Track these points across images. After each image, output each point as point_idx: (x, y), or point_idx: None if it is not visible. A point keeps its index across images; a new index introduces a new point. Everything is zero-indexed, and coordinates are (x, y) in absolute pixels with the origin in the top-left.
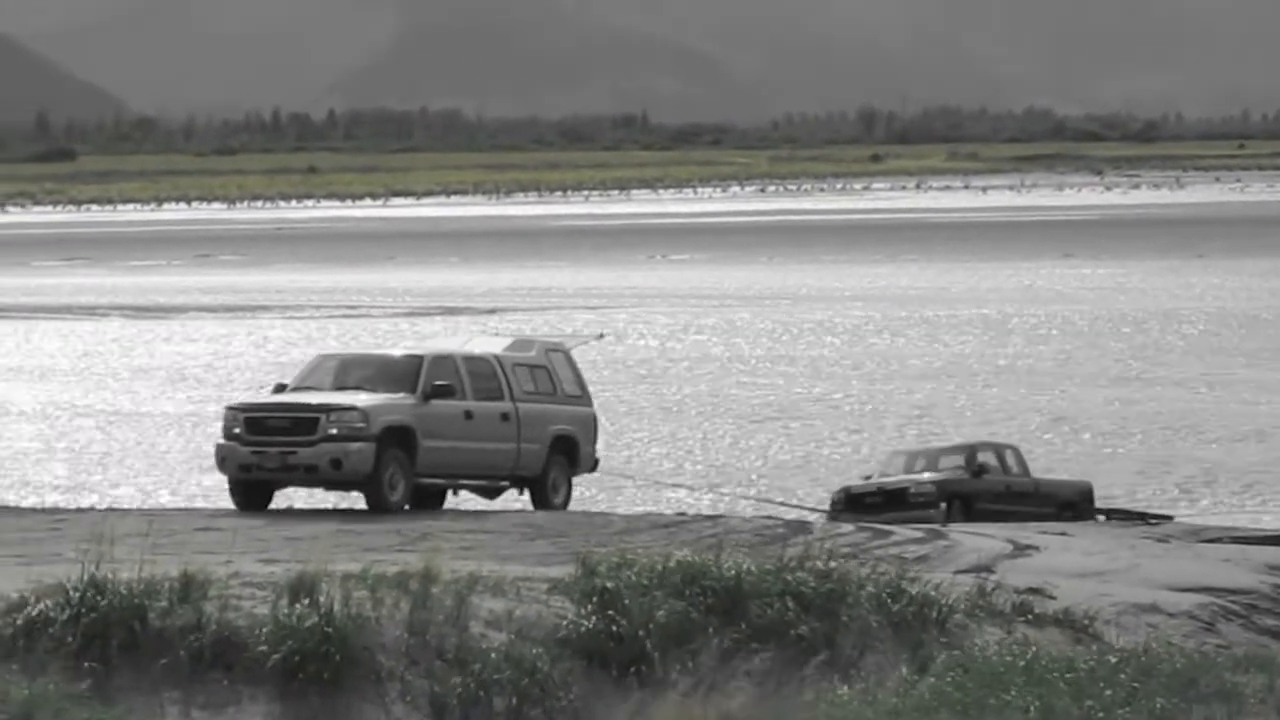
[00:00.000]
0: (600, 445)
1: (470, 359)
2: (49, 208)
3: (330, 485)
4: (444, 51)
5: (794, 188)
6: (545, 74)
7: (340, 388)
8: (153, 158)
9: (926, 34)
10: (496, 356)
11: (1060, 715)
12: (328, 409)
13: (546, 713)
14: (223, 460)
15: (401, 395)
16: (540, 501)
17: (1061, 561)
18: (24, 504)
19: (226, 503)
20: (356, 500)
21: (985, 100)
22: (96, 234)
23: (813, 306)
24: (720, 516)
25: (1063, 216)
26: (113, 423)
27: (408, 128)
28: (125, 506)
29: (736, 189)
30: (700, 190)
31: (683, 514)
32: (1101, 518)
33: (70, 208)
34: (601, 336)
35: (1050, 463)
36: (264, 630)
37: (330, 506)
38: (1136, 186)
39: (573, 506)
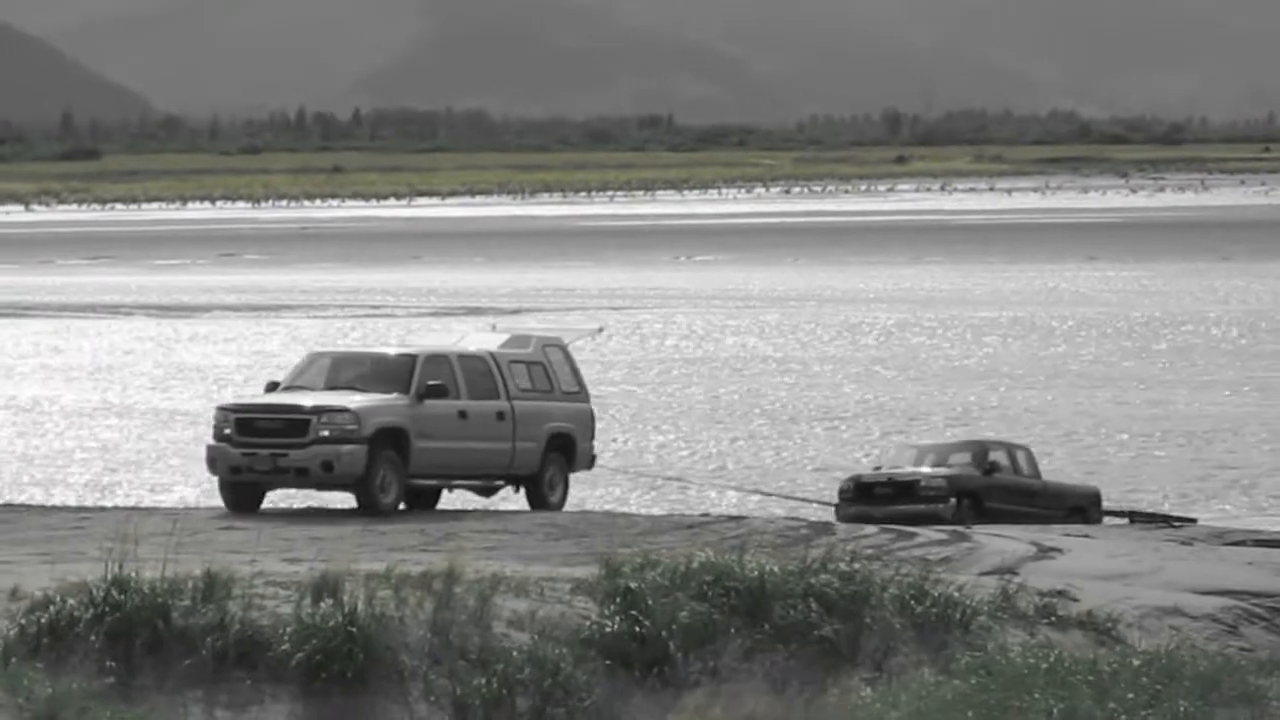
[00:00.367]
0: (622, 442)
1: (465, 357)
2: (74, 206)
3: (322, 487)
4: (470, 52)
5: (819, 189)
6: (571, 75)
7: (332, 387)
8: (178, 157)
9: (951, 36)
10: (492, 353)
11: (1083, 718)
12: (319, 411)
13: (569, 713)
14: (213, 461)
15: (394, 395)
16: (537, 500)
17: (1085, 564)
18: (48, 502)
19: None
20: (349, 500)
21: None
22: (121, 233)
23: (837, 308)
24: (743, 517)
25: (1087, 219)
26: (136, 421)
27: (433, 128)
28: (149, 505)
29: (761, 190)
30: (725, 191)
31: (706, 515)
32: (1123, 520)
33: (95, 206)
34: (600, 330)
35: (1072, 464)
36: (287, 630)
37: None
38: (1161, 189)
39: (596, 507)
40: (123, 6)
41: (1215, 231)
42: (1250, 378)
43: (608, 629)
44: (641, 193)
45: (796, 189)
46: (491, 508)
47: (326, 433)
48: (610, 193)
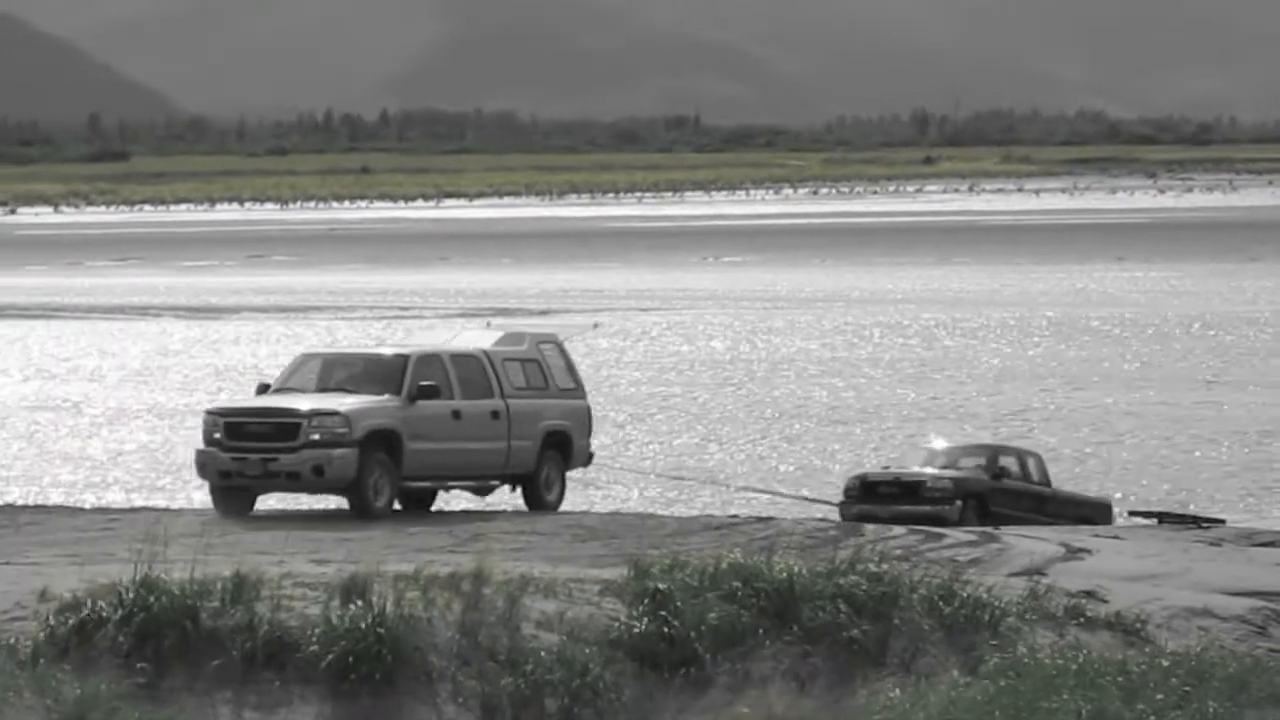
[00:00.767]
0: (646, 442)
1: (458, 356)
2: (102, 208)
3: (313, 491)
4: (497, 53)
5: (847, 190)
6: (598, 76)
7: (324, 389)
8: (205, 158)
9: (979, 36)
10: (486, 352)
11: (1112, 719)
12: (309, 414)
13: (598, 714)
14: (203, 466)
15: (386, 397)
16: (533, 500)
17: (1114, 565)
18: (77, 504)
19: (278, 503)
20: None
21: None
22: (149, 234)
23: (865, 309)
24: (771, 519)
25: (1115, 220)
26: (168, 422)
27: (460, 129)
28: (178, 506)
29: (789, 191)
30: (753, 192)
31: (735, 516)
32: (1152, 521)
33: (123, 208)
34: (596, 326)
35: (1098, 465)
36: (316, 631)
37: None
38: (1190, 189)
39: (624, 509)
40: (150, 8)
41: (1243, 232)
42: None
43: (636, 630)
44: (669, 194)
45: (824, 190)
46: (508, 507)
47: (317, 436)
48: (638, 194)
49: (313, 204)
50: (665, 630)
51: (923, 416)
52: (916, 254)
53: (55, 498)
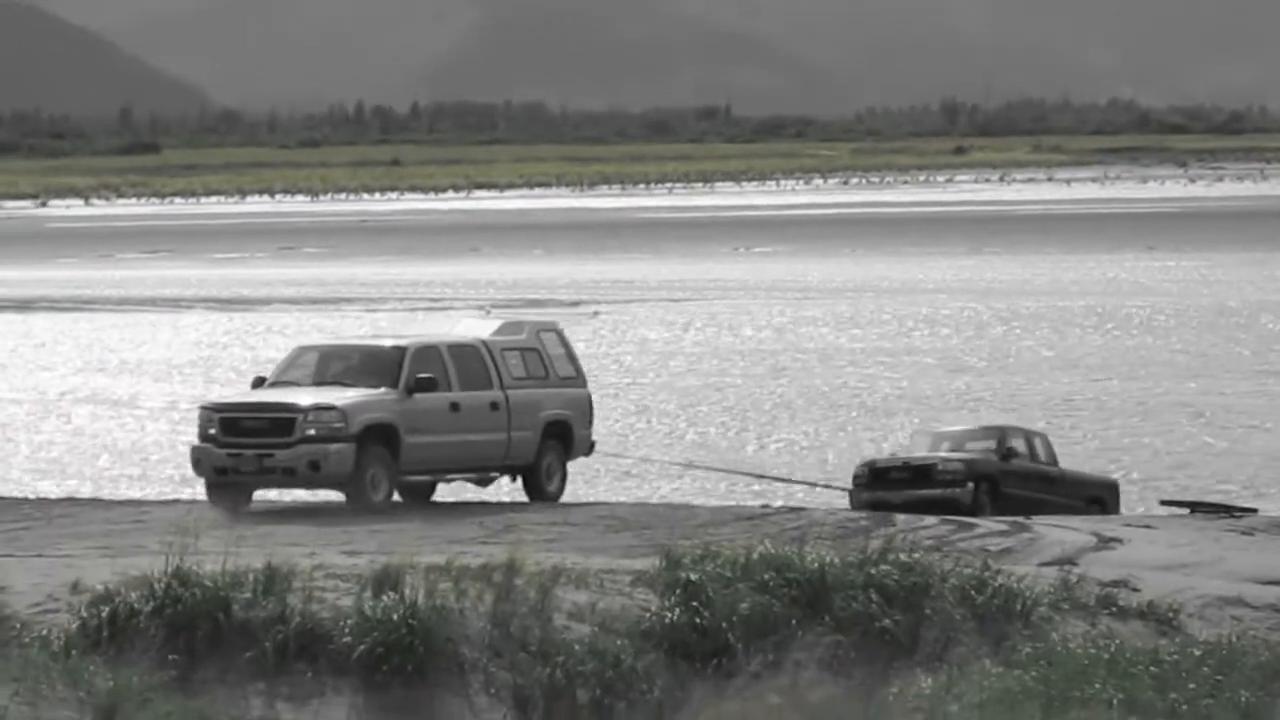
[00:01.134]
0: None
1: (456, 346)
2: (134, 200)
3: (310, 486)
4: (527, 44)
5: (877, 180)
6: (628, 66)
7: (320, 382)
8: (236, 151)
9: (1009, 26)
10: (485, 341)
11: (1144, 708)
12: (305, 409)
13: (630, 705)
14: (198, 462)
15: (383, 390)
16: (534, 490)
17: (1145, 554)
18: (109, 496)
19: (309, 495)
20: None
21: (1069, 92)
22: (181, 226)
23: (896, 299)
24: (803, 509)
25: (1146, 209)
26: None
27: (491, 120)
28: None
29: (820, 181)
30: (783, 182)
31: (766, 506)
32: (1184, 511)
33: (154, 200)
34: (596, 314)
35: (1129, 453)
36: (348, 622)
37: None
38: (1221, 179)
39: (654, 498)
40: (182, 2)
41: (1275, 221)
42: None
43: (668, 620)
44: (700, 184)
45: (855, 180)
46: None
47: (313, 431)
48: (669, 184)
49: (344, 196)
50: (697, 621)
51: (959, 406)
52: (947, 244)
53: (88, 490)
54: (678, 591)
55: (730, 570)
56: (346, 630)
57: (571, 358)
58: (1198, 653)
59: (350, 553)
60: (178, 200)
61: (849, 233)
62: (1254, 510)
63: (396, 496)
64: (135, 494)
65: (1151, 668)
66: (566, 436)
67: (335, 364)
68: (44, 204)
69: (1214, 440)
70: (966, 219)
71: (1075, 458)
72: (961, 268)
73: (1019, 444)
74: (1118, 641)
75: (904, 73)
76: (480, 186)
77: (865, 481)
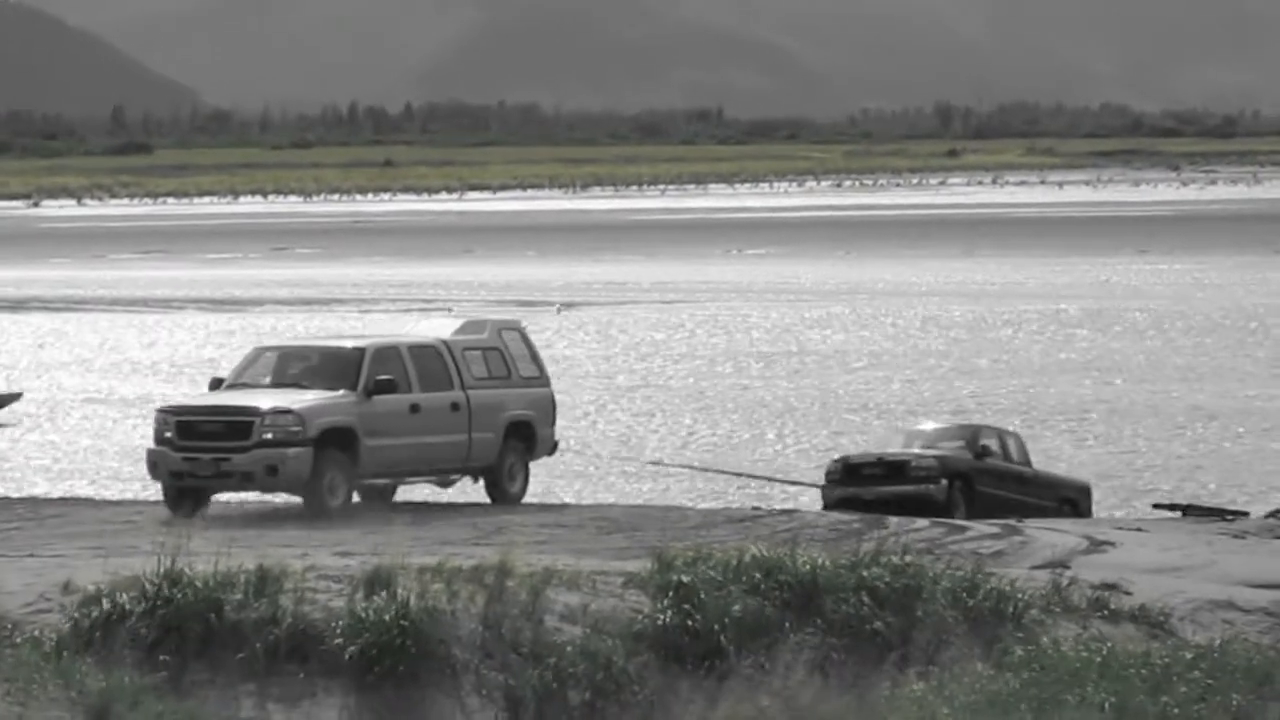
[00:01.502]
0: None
1: (416, 347)
2: (126, 201)
3: (267, 491)
4: (521, 45)
5: (870, 182)
6: (621, 68)
7: (278, 384)
8: (229, 151)
9: (1004, 29)
10: (445, 342)
11: (1135, 711)
12: (262, 413)
13: (621, 706)
14: (154, 466)
15: (341, 393)
16: (496, 492)
17: (1137, 557)
18: (101, 497)
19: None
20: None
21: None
22: (173, 227)
23: (889, 301)
24: (795, 511)
25: (1139, 212)
26: None
27: (484, 121)
28: None
29: (812, 183)
30: (776, 185)
31: (757, 508)
32: (1176, 514)
33: (147, 200)
34: (560, 310)
35: (1122, 457)
36: (340, 623)
37: (404, 500)
38: (1213, 182)
39: (647, 501)
40: (175, 3)
41: (1268, 225)
42: None
43: (660, 622)
44: (693, 186)
45: (848, 182)
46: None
47: (270, 435)
48: (661, 186)
49: (336, 197)
50: (689, 623)
51: (954, 408)
52: (940, 246)
53: (81, 490)
54: (669, 593)
55: (722, 572)
56: (338, 631)
57: (535, 357)
58: (1189, 656)
59: (342, 554)
60: (170, 200)
61: (841, 235)
62: (1246, 513)
63: (356, 498)
64: (130, 495)
65: (1143, 671)
66: (529, 437)
67: (294, 365)
68: (36, 204)
69: (1206, 444)
70: (959, 221)
71: (1064, 460)
72: (954, 270)
73: (992, 443)
74: (1109, 644)
75: (897, 75)
76: (473, 188)
77: (838, 478)
